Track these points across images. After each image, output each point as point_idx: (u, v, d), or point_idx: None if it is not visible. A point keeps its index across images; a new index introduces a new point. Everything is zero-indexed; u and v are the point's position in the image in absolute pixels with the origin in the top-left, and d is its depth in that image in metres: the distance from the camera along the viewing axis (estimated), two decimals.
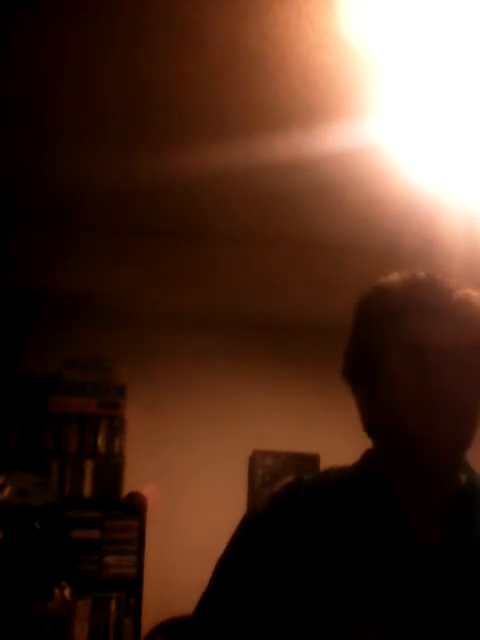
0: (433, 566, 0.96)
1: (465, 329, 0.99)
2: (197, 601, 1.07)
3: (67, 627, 3.57)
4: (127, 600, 3.88)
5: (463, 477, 1.04)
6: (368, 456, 1.08)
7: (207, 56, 2.06)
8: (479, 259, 2.93)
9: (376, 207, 2.89)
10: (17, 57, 2.10)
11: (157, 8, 1.88)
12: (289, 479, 1.10)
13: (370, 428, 1.04)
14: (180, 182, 2.74)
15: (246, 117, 2.36)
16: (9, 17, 1.92)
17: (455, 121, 2.29)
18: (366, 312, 1.06)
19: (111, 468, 4.05)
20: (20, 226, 3.19)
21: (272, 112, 2.32)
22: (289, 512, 1.03)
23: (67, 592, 3.44)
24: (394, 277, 1.05)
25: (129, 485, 4.07)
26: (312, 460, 4.33)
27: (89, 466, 4.02)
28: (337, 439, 4.25)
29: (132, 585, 3.90)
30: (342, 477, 1.07)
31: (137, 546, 3.96)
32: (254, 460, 4.40)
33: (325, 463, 4.29)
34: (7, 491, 3.40)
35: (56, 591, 3.37)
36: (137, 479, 4.09)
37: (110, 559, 3.91)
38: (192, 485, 4.28)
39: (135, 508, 4.00)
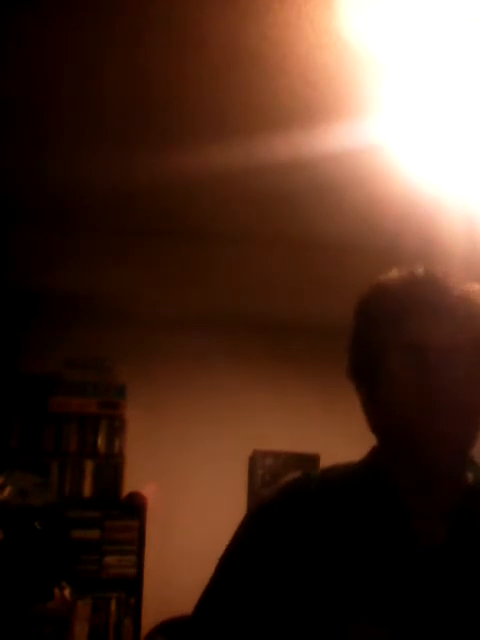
0: (437, 566, 0.96)
1: (465, 328, 0.98)
2: (197, 600, 1.06)
3: (67, 627, 3.57)
4: (127, 600, 3.88)
5: (470, 476, 1.03)
6: (373, 454, 1.07)
7: (207, 56, 2.06)
8: (479, 259, 2.93)
9: (376, 207, 2.89)
10: (17, 57, 2.10)
11: (157, 8, 1.88)
12: (295, 475, 1.10)
13: (373, 427, 1.04)
14: (180, 182, 2.74)
15: (246, 117, 2.36)
16: (9, 17, 1.92)
17: (455, 121, 2.29)
18: (366, 312, 1.05)
19: (111, 468, 4.05)
20: (20, 226, 3.19)
21: (272, 112, 2.32)
22: (294, 509, 1.03)
23: (67, 592, 3.44)
24: (393, 275, 1.05)
25: (129, 485, 4.07)
26: (312, 460, 4.33)
27: (89, 466, 4.02)
28: (337, 439, 4.25)
29: (132, 585, 3.90)
30: (347, 475, 1.07)
31: (137, 546, 3.96)
32: (254, 460, 4.40)
33: (325, 463, 4.28)
34: (7, 491, 3.40)
35: (56, 591, 3.37)
36: (137, 479, 4.09)
37: (110, 559, 3.91)
38: (192, 485, 4.28)
39: (135, 508, 4.00)
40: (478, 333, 0.99)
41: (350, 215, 2.98)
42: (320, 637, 0.94)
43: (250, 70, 2.11)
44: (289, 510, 1.03)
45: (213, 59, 2.07)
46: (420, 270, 1.03)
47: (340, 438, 4.25)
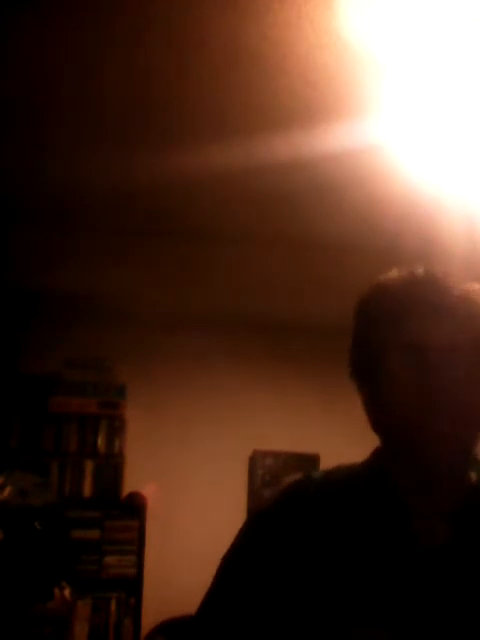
0: (439, 567, 0.95)
1: (465, 327, 0.98)
2: (197, 600, 1.06)
3: (67, 627, 3.57)
4: (127, 600, 3.88)
5: (474, 475, 1.02)
6: (376, 454, 1.07)
7: (207, 56, 2.06)
8: (479, 259, 2.93)
9: (376, 207, 2.89)
10: (17, 57, 2.10)
11: (157, 8, 1.88)
12: (297, 476, 1.10)
13: (374, 427, 1.03)
14: (180, 182, 2.74)
15: (246, 117, 2.36)
16: (9, 17, 1.92)
17: (455, 121, 2.29)
18: (366, 312, 1.05)
19: (111, 468, 4.05)
20: (20, 226, 3.19)
21: (272, 112, 2.32)
22: (296, 510, 1.03)
23: (67, 592, 3.44)
24: (393, 275, 1.04)
25: (129, 485, 4.07)
26: (312, 460, 4.33)
27: (89, 466, 4.02)
28: (337, 439, 4.25)
29: (132, 585, 3.90)
30: (350, 475, 1.06)
31: (137, 546, 3.96)
32: (254, 460, 4.40)
33: (325, 463, 4.29)
34: (7, 491, 3.40)
35: (56, 591, 3.37)
36: (137, 479, 4.09)
37: (110, 559, 3.91)
38: (192, 485, 4.28)
39: (135, 508, 4.00)
40: (478, 333, 0.98)
41: (350, 215, 2.98)
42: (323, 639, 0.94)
43: (250, 70, 2.11)
44: (289, 513, 1.03)
45: (213, 59, 2.07)
46: (420, 270, 1.03)
47: (340, 438, 4.25)
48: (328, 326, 4.23)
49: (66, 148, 2.61)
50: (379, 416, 1.01)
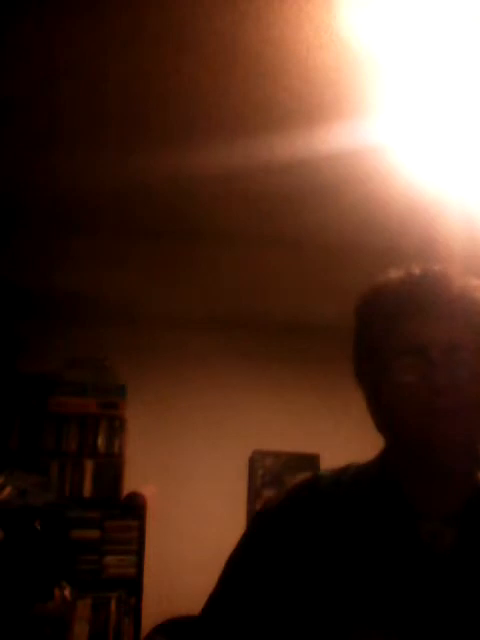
0: (444, 571, 0.94)
1: (466, 325, 0.97)
2: (197, 600, 1.06)
3: (67, 627, 3.56)
4: (127, 600, 3.88)
5: None
6: (382, 455, 1.06)
7: (207, 56, 2.06)
8: (479, 259, 2.93)
9: (376, 207, 2.89)
10: (17, 57, 2.10)
11: (157, 8, 1.88)
12: (305, 477, 1.09)
13: (379, 428, 1.02)
14: (180, 182, 2.74)
15: (246, 117, 2.36)
16: (9, 17, 1.92)
17: (455, 121, 2.29)
18: (365, 314, 1.05)
19: (111, 468, 4.05)
20: (20, 226, 3.19)
21: (272, 112, 2.32)
22: (303, 511, 1.03)
23: (67, 592, 3.44)
24: (391, 275, 1.04)
25: (129, 485, 4.07)
26: (312, 460, 4.33)
27: (89, 466, 4.02)
28: (337, 439, 4.26)
29: (132, 585, 3.90)
30: (358, 476, 1.05)
31: (137, 546, 3.96)
32: (254, 460, 4.40)
33: (325, 463, 4.29)
34: (7, 491, 3.40)
35: (56, 591, 3.37)
36: (137, 479, 4.09)
37: (110, 559, 3.91)
38: (192, 485, 4.28)
39: (135, 508, 4.00)
40: (478, 329, 0.97)
41: (350, 215, 2.98)
42: None
43: (250, 70, 2.11)
44: (297, 513, 1.03)
45: (213, 59, 2.07)
46: (418, 269, 1.02)
47: (340, 438, 4.25)
48: (328, 326, 4.23)
49: (66, 148, 2.61)
50: (383, 418, 1.01)
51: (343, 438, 4.22)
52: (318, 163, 2.56)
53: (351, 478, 1.06)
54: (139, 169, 2.68)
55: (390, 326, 0.99)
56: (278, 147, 2.48)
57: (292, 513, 1.03)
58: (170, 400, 4.37)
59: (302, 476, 1.10)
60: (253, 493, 4.36)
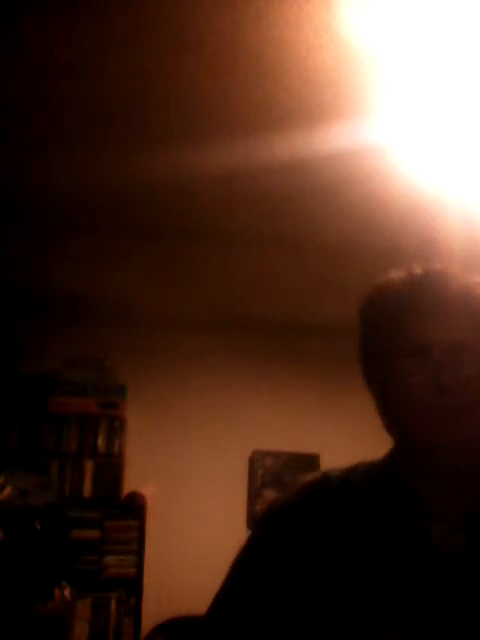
0: (455, 572, 0.93)
1: (468, 324, 0.97)
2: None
3: (67, 627, 3.56)
4: (127, 600, 3.88)
5: None
6: (392, 455, 1.06)
7: (207, 56, 2.06)
8: (479, 259, 2.93)
9: (376, 207, 2.89)
10: (17, 57, 2.10)
11: (157, 8, 1.88)
12: (313, 475, 1.09)
13: (387, 429, 1.02)
14: (180, 182, 2.74)
15: (246, 117, 2.36)
16: (9, 17, 1.92)
17: (455, 121, 2.29)
18: (368, 315, 1.05)
19: (111, 468, 4.05)
20: (20, 226, 3.19)
21: (272, 112, 2.32)
22: (312, 510, 1.02)
23: (67, 592, 3.44)
24: (393, 276, 1.04)
25: (129, 485, 4.07)
26: (312, 460, 4.33)
27: (89, 466, 4.02)
28: (337, 439, 4.26)
29: (132, 585, 3.90)
30: (367, 476, 1.05)
31: (137, 546, 3.96)
32: (254, 460, 4.40)
33: (325, 463, 4.29)
34: (7, 491, 3.40)
35: (56, 591, 3.37)
36: (137, 479, 4.09)
37: (110, 559, 3.91)
38: (192, 485, 4.28)
39: (135, 508, 4.00)
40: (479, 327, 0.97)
41: (350, 215, 2.98)
42: None
43: (250, 70, 2.11)
44: (305, 513, 1.02)
45: (213, 59, 2.07)
46: (419, 269, 1.02)
47: (340, 438, 4.25)
48: (328, 326, 4.23)
49: (66, 148, 2.61)
50: (391, 418, 1.01)
51: (343, 438, 4.22)
52: (318, 163, 2.56)
53: (360, 478, 1.05)
54: (139, 169, 2.68)
55: (393, 327, 0.99)
56: (278, 147, 2.48)
57: (301, 513, 1.03)
58: (170, 400, 4.37)
59: (309, 475, 1.09)
60: (253, 493, 4.36)
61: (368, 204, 2.87)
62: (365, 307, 1.05)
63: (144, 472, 4.12)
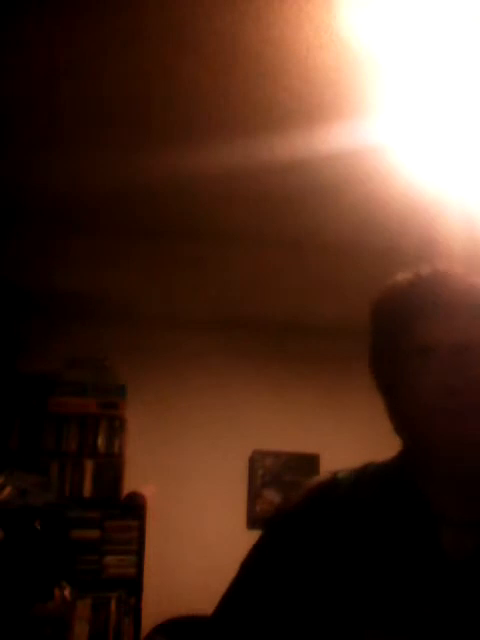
0: (464, 578, 0.92)
1: (475, 324, 0.96)
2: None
3: (67, 627, 3.56)
4: (127, 600, 3.88)
5: None
6: (401, 456, 1.05)
7: (207, 56, 2.06)
8: (479, 259, 2.93)
9: (376, 207, 2.89)
10: (17, 57, 2.10)
11: (157, 8, 1.88)
12: (324, 476, 1.08)
13: (397, 431, 1.01)
14: (180, 182, 2.74)
15: (246, 117, 2.36)
16: (9, 17, 1.92)
17: (455, 121, 2.29)
18: (377, 317, 1.04)
19: (111, 468, 4.05)
20: (20, 226, 3.19)
21: (272, 112, 2.32)
22: (320, 512, 1.02)
23: (67, 592, 3.44)
24: (400, 277, 1.03)
25: (129, 485, 4.07)
26: (312, 460, 4.33)
27: (89, 466, 4.02)
28: (337, 439, 4.26)
29: (132, 585, 3.90)
30: (376, 478, 1.04)
31: (137, 546, 3.96)
32: (254, 460, 4.40)
33: (325, 463, 4.29)
34: (7, 491, 3.40)
35: (56, 591, 3.37)
36: (137, 479, 4.09)
37: (110, 559, 3.91)
38: (192, 485, 4.28)
39: (135, 508, 4.00)
40: None
41: (350, 215, 2.98)
42: None
43: (250, 70, 2.11)
44: (314, 515, 1.02)
45: (213, 59, 2.07)
46: (427, 269, 1.02)
47: (340, 438, 4.25)
48: (328, 326, 4.24)
49: (66, 148, 2.61)
50: (399, 419, 1.00)
51: (343, 438, 4.23)
52: (318, 163, 2.56)
53: (369, 480, 1.04)
54: (139, 169, 2.68)
55: (401, 328, 0.99)
56: (278, 147, 2.48)
57: (309, 515, 1.02)
58: (170, 400, 4.37)
59: (318, 477, 1.09)
60: (253, 493, 4.36)
61: (368, 204, 2.87)
62: (374, 308, 1.05)
63: (144, 472, 4.12)
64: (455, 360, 0.94)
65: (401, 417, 1.00)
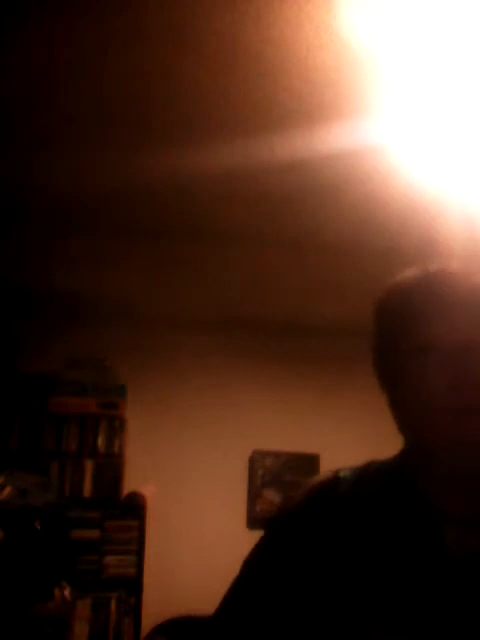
0: (468, 577, 0.92)
1: (479, 323, 0.95)
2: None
3: (67, 627, 3.56)
4: (127, 600, 3.88)
5: None
6: (403, 455, 1.04)
7: (207, 56, 2.06)
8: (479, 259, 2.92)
9: (376, 207, 2.89)
10: (17, 57, 2.10)
11: (157, 8, 1.88)
12: (326, 475, 1.08)
13: (401, 429, 1.01)
14: (180, 182, 2.74)
15: (246, 117, 2.36)
16: (9, 17, 1.92)
17: (455, 121, 2.29)
18: (383, 314, 1.04)
19: (111, 468, 4.05)
20: (20, 226, 3.19)
21: (272, 112, 2.32)
22: (323, 512, 1.02)
23: (67, 592, 3.44)
24: (406, 274, 1.03)
25: (129, 485, 4.07)
26: (312, 460, 4.33)
27: (89, 466, 4.02)
28: (337, 439, 4.26)
29: (132, 585, 3.90)
30: (379, 477, 1.04)
31: (137, 546, 3.96)
32: (254, 460, 4.40)
33: (325, 463, 4.29)
34: (7, 491, 3.40)
35: (56, 591, 3.37)
36: (137, 479, 4.09)
37: (110, 559, 3.91)
38: (192, 485, 4.28)
39: (135, 508, 4.00)
40: None
41: (350, 215, 2.98)
42: None
43: (250, 70, 2.11)
44: (316, 514, 1.02)
45: (213, 59, 2.07)
46: (432, 268, 1.01)
47: (340, 438, 4.25)
48: (328, 326, 4.24)
49: (66, 148, 2.61)
50: (405, 418, 1.00)
51: (343, 438, 4.22)
52: (318, 163, 2.56)
53: (371, 479, 1.04)
54: (139, 169, 2.68)
55: (406, 325, 0.98)
56: (278, 147, 2.48)
57: (311, 514, 1.02)
58: (170, 400, 4.37)
59: (320, 476, 1.08)
60: (253, 493, 4.36)
61: (368, 204, 2.87)
62: (379, 306, 1.04)
63: (144, 472, 4.12)
64: (458, 359, 0.93)
65: (404, 416, 0.99)
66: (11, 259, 3.44)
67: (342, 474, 1.06)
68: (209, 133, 2.46)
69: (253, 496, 4.34)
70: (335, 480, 1.06)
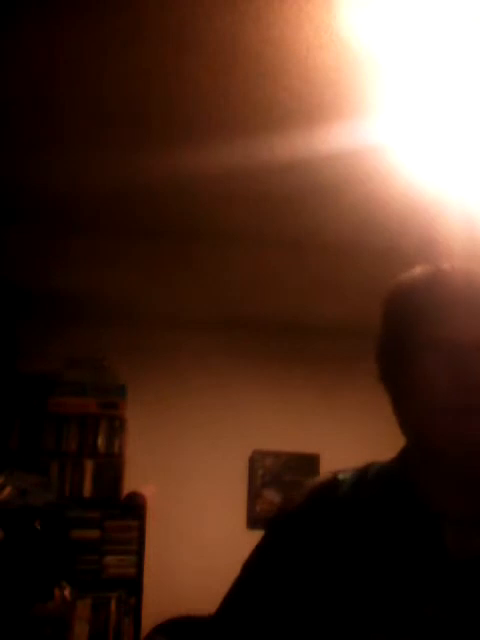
0: (469, 579, 0.91)
1: None
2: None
3: (67, 627, 3.56)
4: (127, 600, 3.88)
5: None
6: (404, 456, 1.04)
7: (206, 56, 2.06)
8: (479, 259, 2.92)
9: (376, 207, 2.89)
10: (17, 57, 2.10)
11: (157, 8, 1.88)
12: (325, 477, 1.07)
13: (404, 430, 1.00)
14: (180, 182, 2.74)
15: (246, 117, 2.36)
16: (9, 17, 1.92)
17: (455, 121, 2.29)
18: (390, 312, 1.03)
19: (111, 468, 4.05)
20: (20, 226, 3.19)
21: (272, 112, 2.32)
22: (322, 514, 1.01)
23: (67, 592, 3.44)
24: (415, 273, 1.02)
25: (129, 485, 4.07)
26: (312, 460, 4.33)
27: (89, 466, 4.02)
28: (337, 439, 4.26)
29: (132, 585, 3.90)
30: (380, 478, 1.03)
31: (137, 546, 3.96)
32: (254, 460, 4.40)
33: (325, 463, 4.29)
34: (7, 491, 3.40)
35: (56, 591, 3.37)
36: (137, 479, 4.09)
37: (110, 559, 3.91)
38: (192, 485, 4.28)
39: (135, 508, 4.00)
40: None
41: (350, 215, 2.98)
42: None
43: (250, 70, 2.11)
44: (315, 516, 1.02)
45: (213, 59, 2.07)
46: (438, 266, 1.01)
47: (340, 438, 4.25)
48: (328, 326, 4.23)
49: (66, 148, 2.61)
50: (409, 418, 0.99)
51: (343, 438, 4.23)
52: (318, 163, 2.56)
53: (371, 480, 1.03)
54: (139, 169, 2.68)
55: (416, 323, 0.97)
56: (278, 147, 2.48)
57: (311, 515, 1.02)
58: (170, 400, 4.37)
59: (319, 477, 1.08)
60: (253, 493, 4.36)
61: (368, 204, 2.87)
62: (388, 303, 1.03)
63: (144, 472, 4.12)
64: (460, 359, 0.93)
65: (406, 414, 0.99)
66: (11, 259, 3.44)
67: (341, 476, 1.06)
68: (209, 133, 2.46)
69: (253, 496, 4.35)
70: (334, 481, 1.05)
